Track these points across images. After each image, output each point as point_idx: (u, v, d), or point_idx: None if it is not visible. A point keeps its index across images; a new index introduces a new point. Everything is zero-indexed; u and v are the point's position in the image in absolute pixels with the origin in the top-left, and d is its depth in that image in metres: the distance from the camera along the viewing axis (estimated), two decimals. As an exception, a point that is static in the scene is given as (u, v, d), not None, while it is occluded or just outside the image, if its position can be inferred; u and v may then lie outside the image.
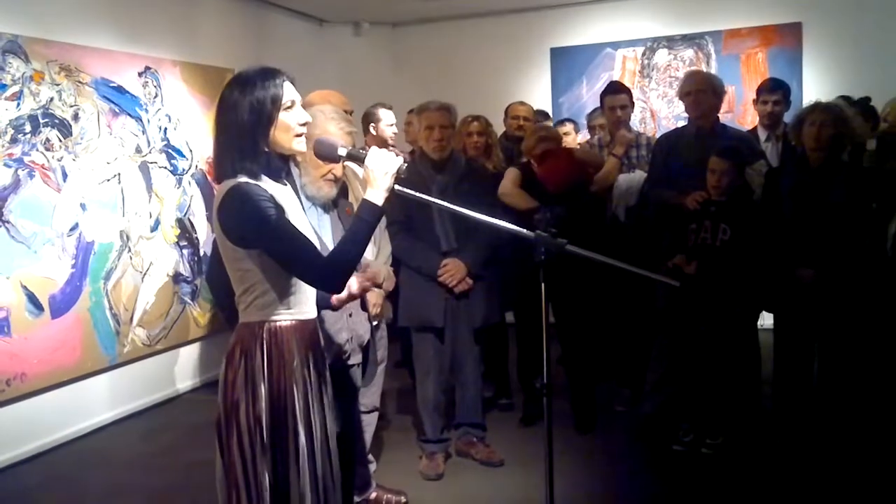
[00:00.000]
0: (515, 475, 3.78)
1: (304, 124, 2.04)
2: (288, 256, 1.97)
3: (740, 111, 6.65)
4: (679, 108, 5.70)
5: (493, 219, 2.17)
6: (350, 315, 2.82)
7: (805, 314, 3.90)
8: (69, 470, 4.14)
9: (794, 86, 4.94)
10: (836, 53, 6.42)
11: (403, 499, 3.51)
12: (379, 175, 1.99)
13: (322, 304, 2.31)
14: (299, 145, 2.05)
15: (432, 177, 3.77)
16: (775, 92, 4.66)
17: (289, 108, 2.01)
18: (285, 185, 2.10)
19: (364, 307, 2.93)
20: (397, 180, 2.02)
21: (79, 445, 4.49)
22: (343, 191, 2.97)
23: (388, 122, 4.92)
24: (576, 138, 5.84)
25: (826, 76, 6.38)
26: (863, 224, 3.77)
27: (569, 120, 5.96)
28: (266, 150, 2.00)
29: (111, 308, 4.80)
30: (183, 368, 5.45)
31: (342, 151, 2.09)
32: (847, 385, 3.96)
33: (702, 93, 4.14)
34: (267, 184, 2.00)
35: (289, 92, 2.01)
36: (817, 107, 3.80)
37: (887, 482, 3.50)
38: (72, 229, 4.53)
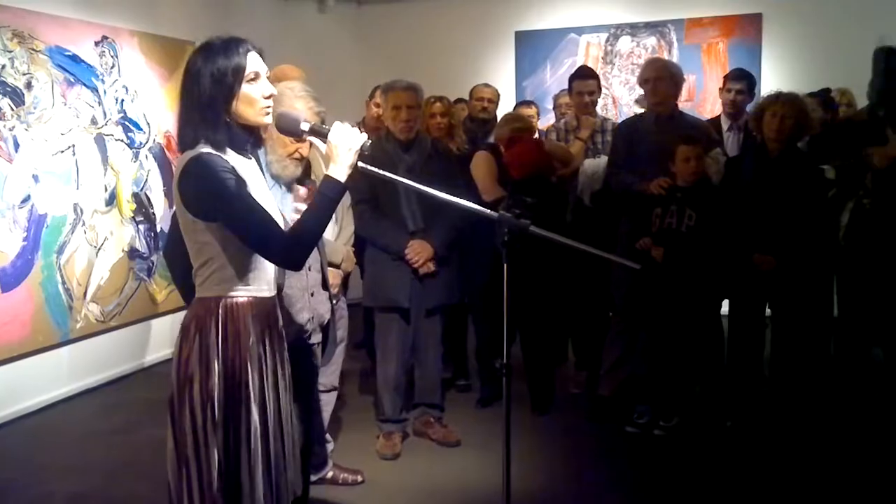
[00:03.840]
0: (471, 455, 3.81)
1: (269, 97, 2.00)
2: (246, 230, 1.93)
3: (700, 100, 6.74)
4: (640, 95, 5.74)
5: (460, 199, 2.17)
6: (312, 294, 2.80)
7: (760, 299, 3.99)
8: (20, 446, 4.05)
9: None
10: (796, 45, 6.53)
11: (360, 478, 3.52)
12: (342, 151, 1.96)
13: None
14: (265, 118, 2.01)
15: (399, 156, 3.73)
16: (739, 81, 4.69)
17: (252, 79, 1.96)
18: (249, 158, 2.05)
19: (325, 286, 2.91)
20: (361, 157, 2.00)
21: (30, 422, 4.40)
22: (307, 171, 2.93)
23: None
24: (537, 121, 5.83)
25: (785, 68, 6.48)
26: (818, 213, 3.86)
27: (532, 103, 5.95)
28: (228, 120, 1.95)
29: (64, 283, 4.69)
30: (139, 345, 5.36)
31: (305, 126, 2.05)
32: (798, 369, 4.06)
33: (660, 80, 4.17)
34: (230, 156, 1.96)
35: (252, 63, 1.96)
36: (779, 98, 3.86)
37: (837, 461, 3.60)
38: (23, 201, 4.41)
